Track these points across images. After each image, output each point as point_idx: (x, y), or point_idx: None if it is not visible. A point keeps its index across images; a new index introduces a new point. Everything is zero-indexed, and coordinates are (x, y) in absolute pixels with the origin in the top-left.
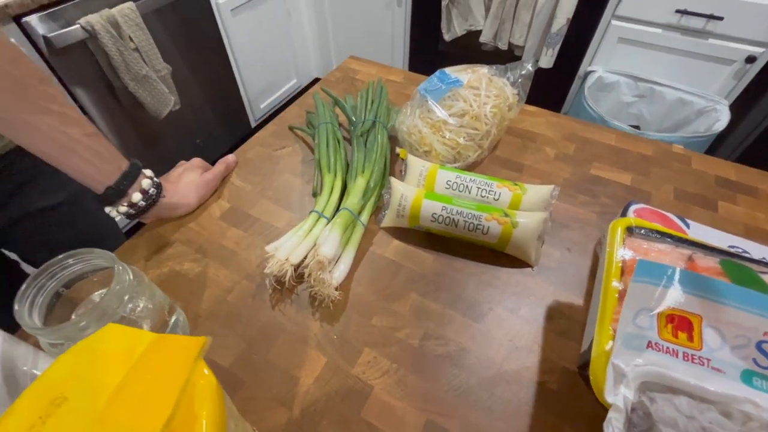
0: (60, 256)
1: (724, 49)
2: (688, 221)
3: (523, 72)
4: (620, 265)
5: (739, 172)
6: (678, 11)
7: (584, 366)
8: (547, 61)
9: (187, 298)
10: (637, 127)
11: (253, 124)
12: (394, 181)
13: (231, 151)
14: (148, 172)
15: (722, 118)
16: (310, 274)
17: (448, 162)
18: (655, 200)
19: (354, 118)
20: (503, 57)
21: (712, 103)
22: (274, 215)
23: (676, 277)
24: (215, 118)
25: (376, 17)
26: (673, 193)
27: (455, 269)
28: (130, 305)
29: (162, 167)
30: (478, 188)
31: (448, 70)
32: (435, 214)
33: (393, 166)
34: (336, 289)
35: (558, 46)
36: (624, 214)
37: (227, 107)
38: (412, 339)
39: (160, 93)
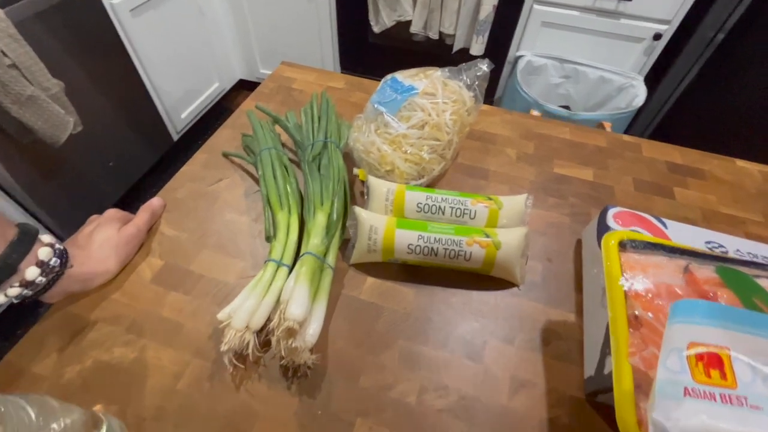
0: None
1: (634, 28)
2: (664, 221)
3: (479, 73)
4: (624, 289)
5: (684, 155)
6: None
7: (592, 394)
8: (477, 48)
9: (123, 397)
10: (567, 107)
11: (176, 137)
12: (359, 211)
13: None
14: (46, 237)
15: (640, 94)
16: (278, 342)
17: (413, 179)
18: (619, 194)
19: (299, 138)
20: (435, 46)
21: (629, 79)
22: (222, 268)
23: (700, 310)
24: (129, 135)
25: (299, 10)
26: (633, 184)
27: (440, 301)
28: None
29: (72, 202)
30: (452, 208)
31: (399, 76)
32: (411, 245)
33: (352, 189)
34: (311, 351)
35: (487, 33)
36: (603, 219)
37: (141, 121)
38: (408, 396)
39: (54, 115)
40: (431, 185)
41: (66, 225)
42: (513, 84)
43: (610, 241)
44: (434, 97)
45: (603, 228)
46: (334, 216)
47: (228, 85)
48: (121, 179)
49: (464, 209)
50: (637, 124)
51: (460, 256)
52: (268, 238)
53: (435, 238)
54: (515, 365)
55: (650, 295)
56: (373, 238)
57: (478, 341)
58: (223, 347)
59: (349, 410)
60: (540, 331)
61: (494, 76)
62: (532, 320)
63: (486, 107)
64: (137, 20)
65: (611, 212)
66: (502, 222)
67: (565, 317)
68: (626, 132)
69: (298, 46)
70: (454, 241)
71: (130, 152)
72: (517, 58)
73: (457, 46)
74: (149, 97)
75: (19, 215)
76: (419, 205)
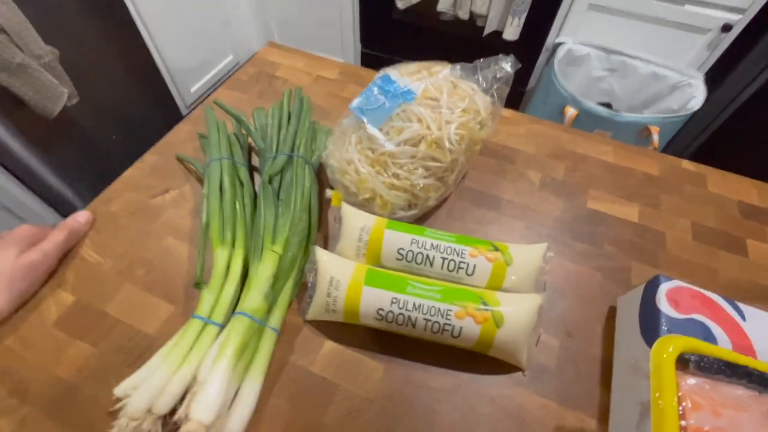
0: None
1: (699, 16)
2: (741, 307)
3: (499, 75)
4: None
5: (763, 193)
6: None
7: None
8: (512, 32)
9: None
10: (608, 105)
11: (185, 112)
12: (320, 253)
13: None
14: None
15: (697, 95)
16: None
17: (401, 209)
18: (672, 243)
19: (263, 147)
20: (464, 28)
21: (686, 77)
22: (145, 312)
23: None
24: (135, 108)
25: None
26: (692, 231)
27: (415, 386)
28: None
29: (81, 170)
30: (444, 259)
31: (393, 73)
32: (381, 309)
33: (323, 214)
34: None
35: (524, 15)
36: (650, 296)
37: (149, 94)
38: None
39: (46, 85)
40: (425, 216)
41: (77, 189)
42: (549, 75)
43: (666, 349)
44: (437, 102)
45: (651, 308)
46: (288, 259)
47: (243, 59)
48: (127, 153)
49: (460, 262)
50: (687, 130)
51: (446, 331)
52: (198, 284)
53: (414, 304)
54: None
55: None
56: (333, 295)
57: None
58: None
59: None
60: None
61: (528, 65)
62: (538, 425)
63: (509, 113)
64: None
65: (664, 287)
66: (510, 281)
67: (584, 423)
68: (674, 139)
69: (317, 19)
70: (439, 310)
71: (136, 126)
72: (556, 46)
73: (489, 28)
74: (156, 68)
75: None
76: (401, 251)
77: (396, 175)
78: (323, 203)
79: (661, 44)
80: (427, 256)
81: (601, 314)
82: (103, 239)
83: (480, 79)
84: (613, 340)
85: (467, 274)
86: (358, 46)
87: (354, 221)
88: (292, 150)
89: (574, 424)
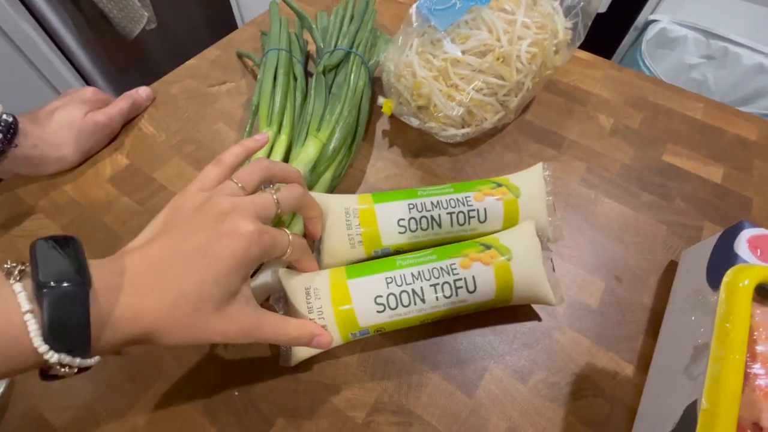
0: None
1: None
2: None
3: None
4: (749, 372)
5: None
6: None
7: None
8: (602, 3)
9: None
10: None
11: None
12: (284, 275)
13: None
14: None
15: None
16: None
17: (453, 126)
18: (759, 211)
19: (321, 45)
20: None
21: None
22: (189, 182)
23: None
24: (206, 43)
25: None
26: None
27: None
28: None
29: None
30: (451, 213)
31: None
32: (380, 296)
33: (370, 126)
34: None
35: None
36: (727, 241)
37: (219, 30)
38: (355, 409)
39: (130, 6)
40: (476, 142)
41: None
42: (634, 55)
43: (742, 280)
44: (512, 15)
45: (725, 255)
46: (330, 148)
47: None
48: None
49: (469, 211)
50: None
51: (459, 288)
52: None
53: (413, 274)
54: (520, 414)
55: None
56: (317, 307)
57: (476, 364)
58: None
59: (273, 402)
60: (573, 376)
61: (612, 44)
62: (566, 357)
63: (586, 55)
64: None
65: (747, 233)
66: (526, 214)
67: (618, 367)
68: None
69: None
70: (442, 269)
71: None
72: (647, 24)
73: None
74: (229, 6)
75: None
76: (401, 222)
77: (455, 86)
78: (373, 114)
79: None
80: (432, 217)
81: (659, 266)
82: (161, 115)
83: None
84: (670, 295)
85: (480, 222)
86: None
87: (337, 205)
88: (351, 47)
89: (607, 365)
